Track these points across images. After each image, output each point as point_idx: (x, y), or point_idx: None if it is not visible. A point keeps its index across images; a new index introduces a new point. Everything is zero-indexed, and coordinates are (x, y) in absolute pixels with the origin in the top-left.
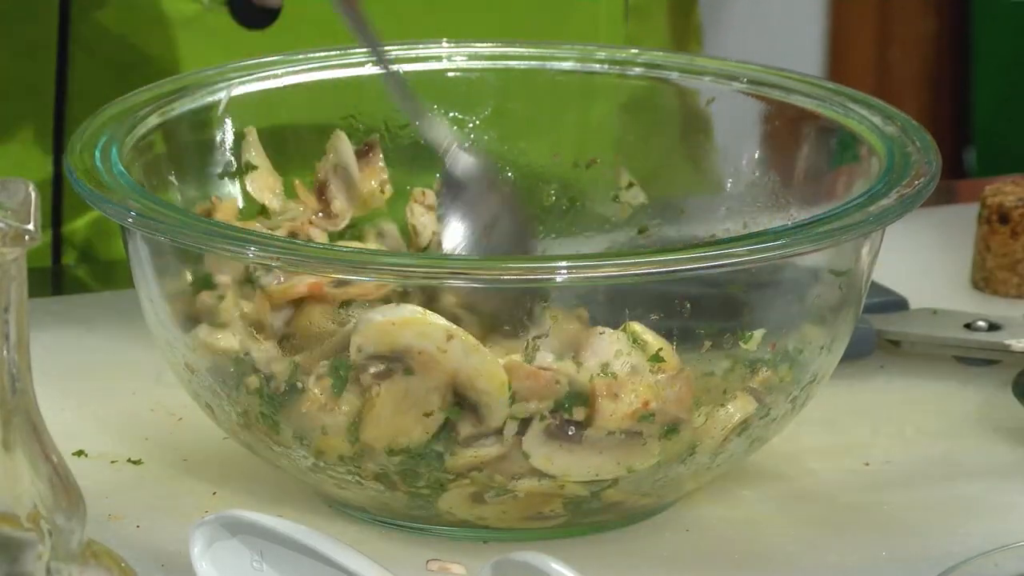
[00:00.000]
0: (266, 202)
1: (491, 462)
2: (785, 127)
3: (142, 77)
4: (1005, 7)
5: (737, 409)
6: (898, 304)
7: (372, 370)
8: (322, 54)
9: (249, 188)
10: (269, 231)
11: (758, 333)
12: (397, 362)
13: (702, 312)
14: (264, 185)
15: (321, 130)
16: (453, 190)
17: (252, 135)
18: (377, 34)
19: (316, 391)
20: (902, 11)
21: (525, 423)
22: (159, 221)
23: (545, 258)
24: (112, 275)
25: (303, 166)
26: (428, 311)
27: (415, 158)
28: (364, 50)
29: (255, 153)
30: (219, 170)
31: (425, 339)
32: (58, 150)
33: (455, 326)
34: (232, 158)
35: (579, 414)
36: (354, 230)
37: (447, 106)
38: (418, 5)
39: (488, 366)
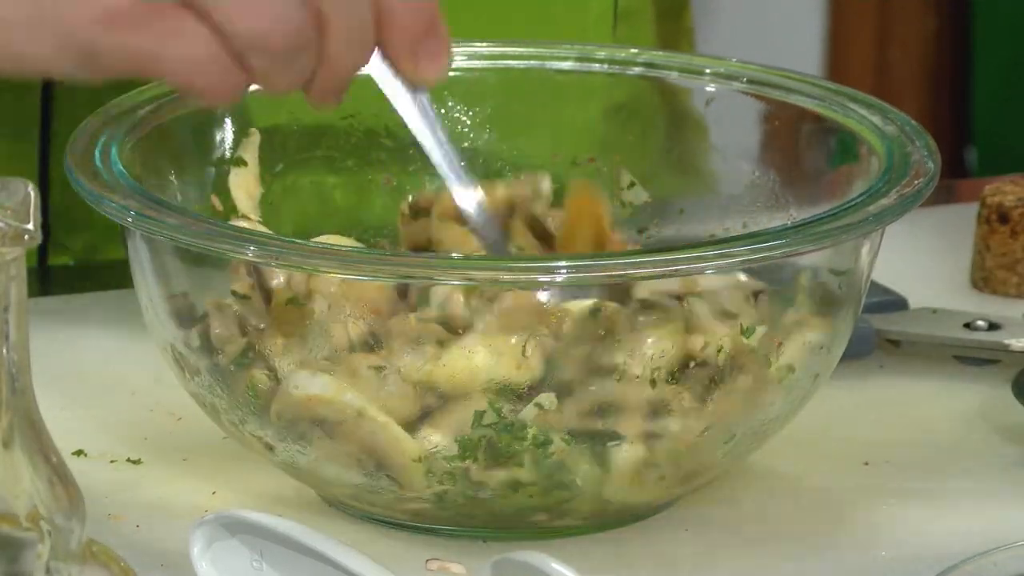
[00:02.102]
0: (239, 202)
1: None
2: (785, 127)
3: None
4: (1005, 7)
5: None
6: (898, 304)
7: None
8: None
9: (231, 181)
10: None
11: (759, 331)
12: (318, 427)
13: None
14: (244, 185)
15: (320, 130)
16: None
17: (255, 136)
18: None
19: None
20: (902, 11)
21: None
22: (158, 221)
23: (545, 257)
24: (111, 275)
25: (301, 166)
26: (344, 385)
27: (415, 159)
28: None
29: (250, 154)
30: (219, 170)
31: (339, 414)
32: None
33: (366, 404)
34: (231, 158)
35: None
36: None
37: (447, 106)
38: None
39: (401, 443)
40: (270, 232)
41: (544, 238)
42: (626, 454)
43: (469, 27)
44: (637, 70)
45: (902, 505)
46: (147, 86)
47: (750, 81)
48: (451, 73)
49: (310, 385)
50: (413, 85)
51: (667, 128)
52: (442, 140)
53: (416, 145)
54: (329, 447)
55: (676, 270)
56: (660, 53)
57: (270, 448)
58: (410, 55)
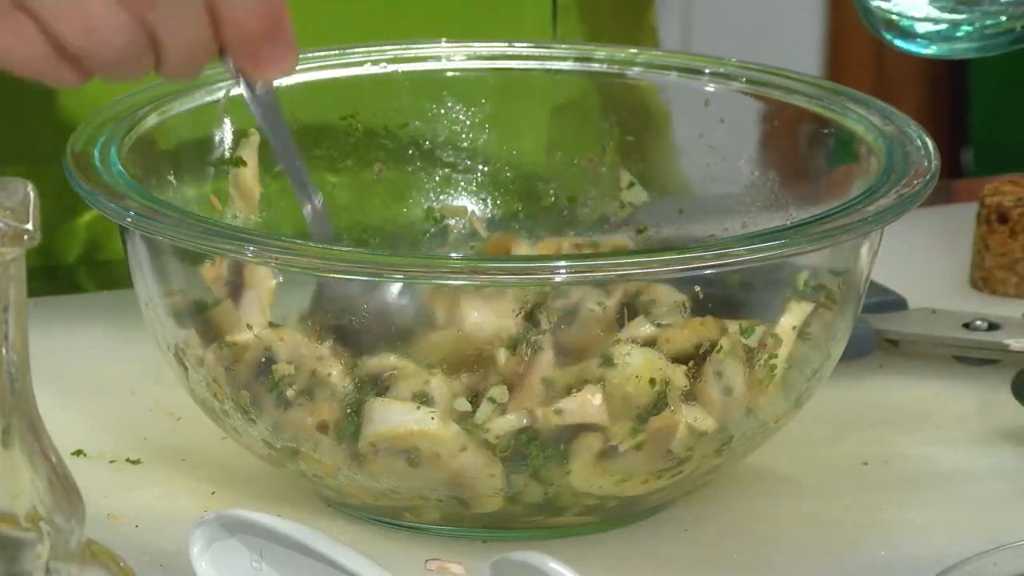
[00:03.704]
0: (238, 202)
1: None
2: (784, 127)
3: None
4: None
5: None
6: (897, 304)
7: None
8: (321, 54)
9: (231, 181)
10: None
11: (758, 331)
12: (404, 453)
13: (701, 311)
14: (244, 185)
15: (320, 130)
16: None
17: (254, 137)
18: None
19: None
20: None
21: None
22: (158, 220)
23: (544, 257)
24: (112, 275)
25: None
26: (446, 419)
27: (415, 158)
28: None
29: (250, 153)
30: (218, 169)
31: (439, 447)
32: None
33: (468, 434)
34: (231, 158)
35: None
36: None
37: (446, 106)
38: (334, 5)
39: (489, 467)
40: (269, 232)
41: None
42: (589, 445)
43: (402, 26)
44: (636, 70)
45: (902, 505)
46: (145, 86)
47: (749, 81)
48: (450, 73)
49: (412, 418)
50: (255, 85)
51: (666, 127)
52: (284, 140)
53: (415, 146)
54: (404, 471)
55: (675, 270)
56: (659, 53)
57: (270, 447)
58: (251, 59)
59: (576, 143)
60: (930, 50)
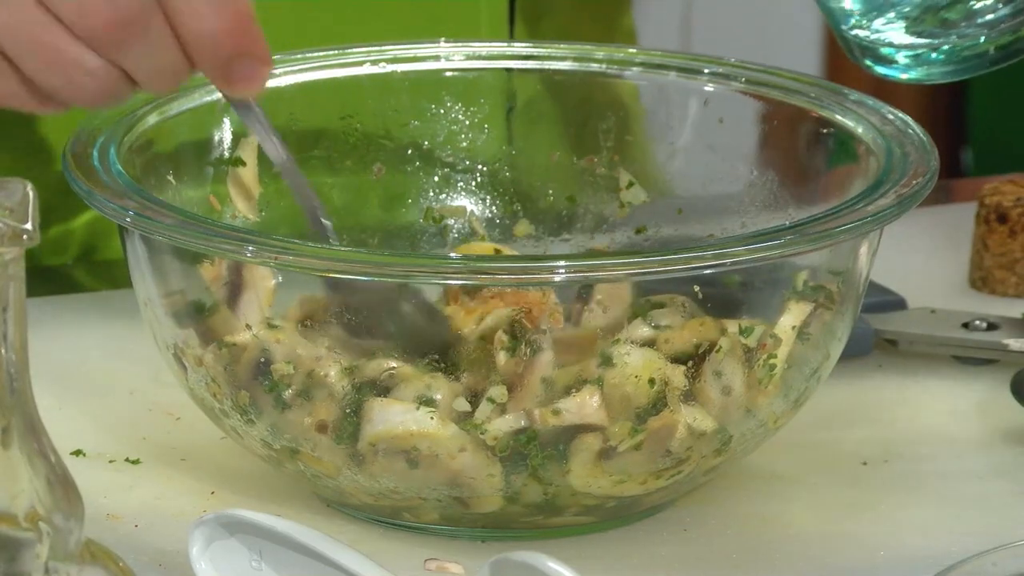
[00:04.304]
0: (237, 202)
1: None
2: (783, 127)
3: None
4: None
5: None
6: (896, 303)
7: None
8: (320, 54)
9: (230, 181)
10: None
11: (757, 331)
12: (404, 453)
13: (700, 311)
14: (243, 185)
15: (318, 130)
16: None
17: (253, 137)
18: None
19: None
20: None
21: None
22: (157, 220)
23: (543, 257)
24: (111, 275)
25: (299, 166)
26: (445, 420)
27: (414, 159)
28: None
29: (249, 153)
30: (217, 170)
31: (439, 447)
32: None
33: (467, 435)
34: (230, 158)
35: None
36: None
37: (445, 106)
38: (286, 5)
39: (489, 467)
40: (268, 232)
41: None
42: (589, 445)
43: (354, 27)
44: (635, 70)
45: (901, 505)
46: None
47: (748, 81)
48: (449, 73)
49: (412, 419)
50: (233, 100)
51: (666, 127)
52: (277, 150)
53: (415, 146)
54: (405, 471)
55: (673, 270)
56: (658, 52)
57: (269, 447)
58: (223, 78)
59: (574, 143)
60: (908, 75)
